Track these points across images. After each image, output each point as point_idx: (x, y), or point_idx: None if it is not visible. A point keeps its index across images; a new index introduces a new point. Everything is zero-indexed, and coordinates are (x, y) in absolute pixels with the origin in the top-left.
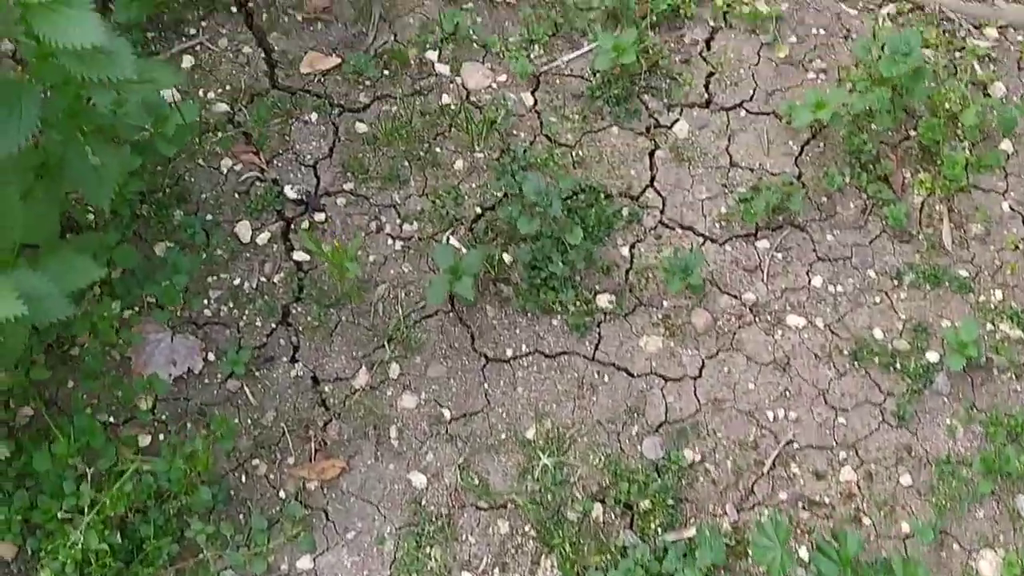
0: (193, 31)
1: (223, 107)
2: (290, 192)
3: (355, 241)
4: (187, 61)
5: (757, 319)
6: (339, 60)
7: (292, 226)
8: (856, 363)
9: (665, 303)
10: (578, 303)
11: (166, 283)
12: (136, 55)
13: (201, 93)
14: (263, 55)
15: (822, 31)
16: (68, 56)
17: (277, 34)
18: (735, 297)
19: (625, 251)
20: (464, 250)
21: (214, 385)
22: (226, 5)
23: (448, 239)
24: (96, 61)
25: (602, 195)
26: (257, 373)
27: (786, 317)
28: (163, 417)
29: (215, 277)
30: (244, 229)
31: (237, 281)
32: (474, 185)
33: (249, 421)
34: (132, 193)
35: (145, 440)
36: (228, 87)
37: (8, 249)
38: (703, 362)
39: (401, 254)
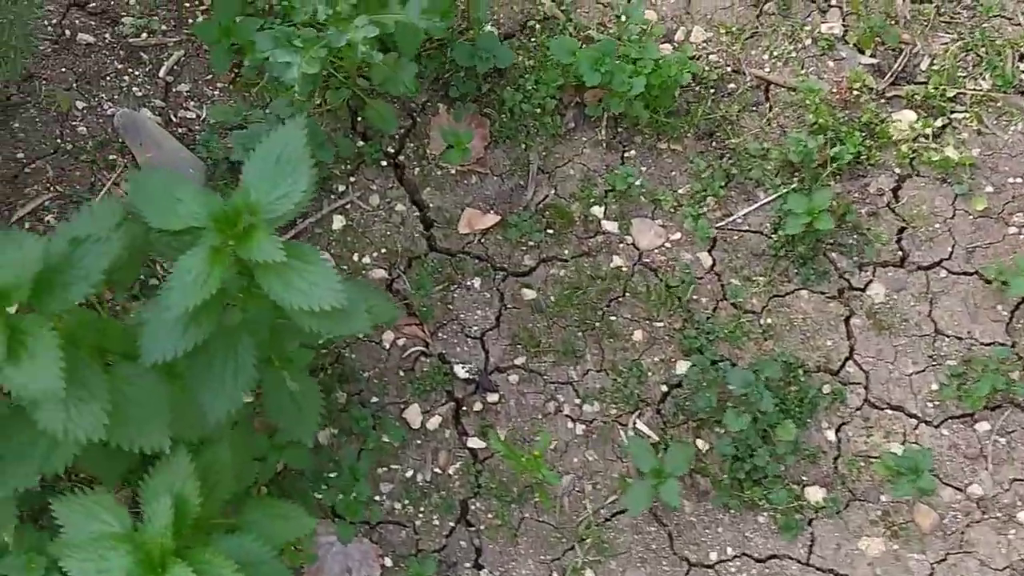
0: (342, 188)
1: (380, 272)
2: (460, 371)
3: (543, 440)
4: (338, 222)
5: (986, 516)
6: (498, 217)
7: (463, 407)
8: None
9: (882, 497)
10: (787, 499)
11: (347, 495)
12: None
13: (355, 257)
14: (417, 213)
15: (1019, 180)
16: (300, 315)
17: (431, 189)
18: (959, 490)
19: (831, 435)
20: (655, 437)
21: None
22: (376, 160)
23: (635, 424)
24: (331, 318)
25: (800, 371)
26: None
27: (1018, 513)
28: None
29: (385, 469)
30: (413, 414)
31: (409, 473)
32: (657, 359)
33: None
34: None
35: None
36: (383, 250)
37: (218, 508)
38: (932, 568)
39: (584, 439)
